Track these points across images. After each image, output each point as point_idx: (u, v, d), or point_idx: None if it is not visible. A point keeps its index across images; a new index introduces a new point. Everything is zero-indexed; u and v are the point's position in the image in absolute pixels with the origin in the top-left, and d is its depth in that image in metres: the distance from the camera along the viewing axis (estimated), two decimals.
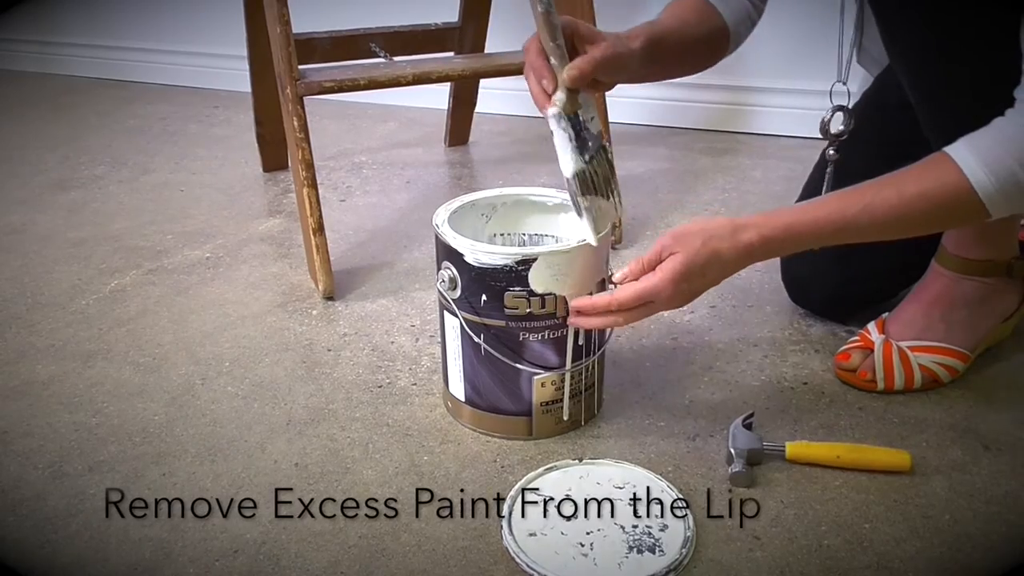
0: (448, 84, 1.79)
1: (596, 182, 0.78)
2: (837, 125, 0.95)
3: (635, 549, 0.72)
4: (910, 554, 0.72)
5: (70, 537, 0.76)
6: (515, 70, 1.26)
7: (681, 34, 0.89)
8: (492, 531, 0.75)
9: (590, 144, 0.77)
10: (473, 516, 0.77)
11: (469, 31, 1.64)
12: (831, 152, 0.96)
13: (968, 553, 0.72)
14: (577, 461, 0.83)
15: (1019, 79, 0.70)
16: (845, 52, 0.93)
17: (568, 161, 0.76)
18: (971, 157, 0.70)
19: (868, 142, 0.97)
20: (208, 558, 0.73)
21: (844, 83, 0.93)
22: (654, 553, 0.71)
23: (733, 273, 0.77)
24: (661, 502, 0.77)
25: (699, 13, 0.92)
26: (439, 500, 0.79)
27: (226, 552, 0.74)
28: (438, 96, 1.93)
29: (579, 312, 0.80)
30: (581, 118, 0.76)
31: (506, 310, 0.82)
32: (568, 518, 0.75)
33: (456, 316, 0.85)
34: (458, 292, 0.83)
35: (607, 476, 0.81)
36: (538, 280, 0.80)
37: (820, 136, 0.95)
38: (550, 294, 0.81)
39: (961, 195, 0.70)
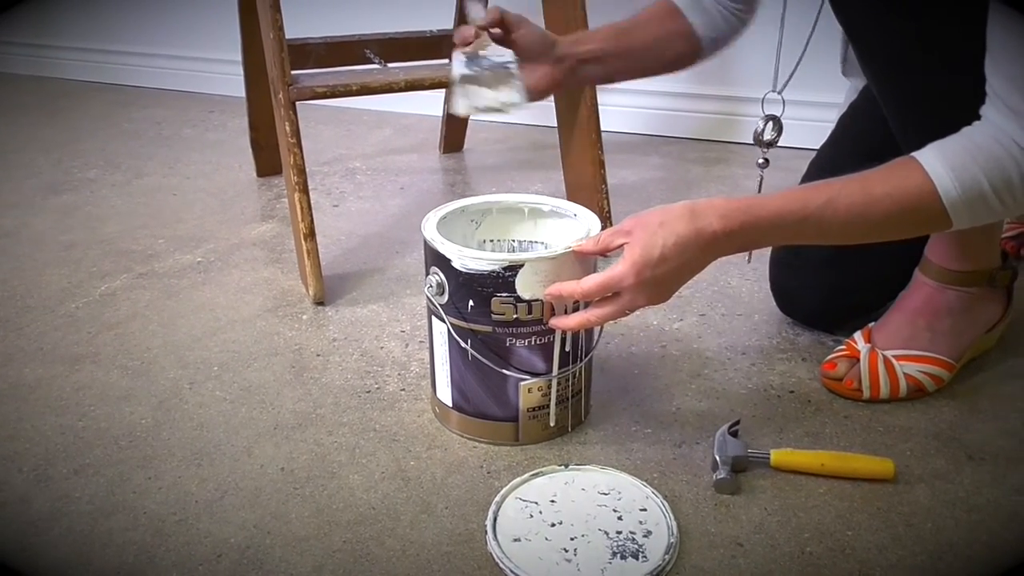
0: (443, 91, 1.79)
1: (482, 81, 0.89)
2: (769, 133, 0.98)
3: (619, 555, 0.72)
4: (892, 562, 0.72)
5: (54, 541, 0.76)
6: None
7: (638, 32, 0.96)
8: (477, 537, 0.75)
9: (485, 63, 0.90)
10: (458, 522, 0.77)
11: None
12: (761, 160, 0.98)
13: (950, 562, 0.72)
14: (563, 467, 0.83)
15: (983, 99, 0.71)
16: (783, 63, 0.94)
17: (456, 70, 0.89)
18: (938, 163, 0.70)
19: (855, 154, 0.98)
20: (192, 562, 0.73)
21: (779, 93, 0.95)
22: (637, 559, 0.71)
23: (701, 263, 0.76)
24: (645, 508, 0.77)
25: (661, 19, 0.96)
26: (424, 505, 0.79)
27: (210, 557, 0.74)
28: (433, 103, 1.93)
29: (552, 300, 0.80)
30: (481, 55, 0.90)
31: (493, 316, 0.82)
32: (552, 524, 0.75)
33: (444, 321, 0.85)
34: (446, 297, 0.84)
35: (592, 482, 0.81)
36: (525, 286, 0.80)
37: (753, 143, 0.99)
38: (537, 300, 0.81)
39: (924, 199, 0.70)
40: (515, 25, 0.89)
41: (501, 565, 0.71)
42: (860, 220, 0.72)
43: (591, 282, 0.77)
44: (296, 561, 0.73)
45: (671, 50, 0.96)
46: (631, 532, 0.74)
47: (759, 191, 1.00)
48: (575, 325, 0.80)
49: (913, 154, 0.72)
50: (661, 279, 0.75)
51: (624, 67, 0.96)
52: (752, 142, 0.99)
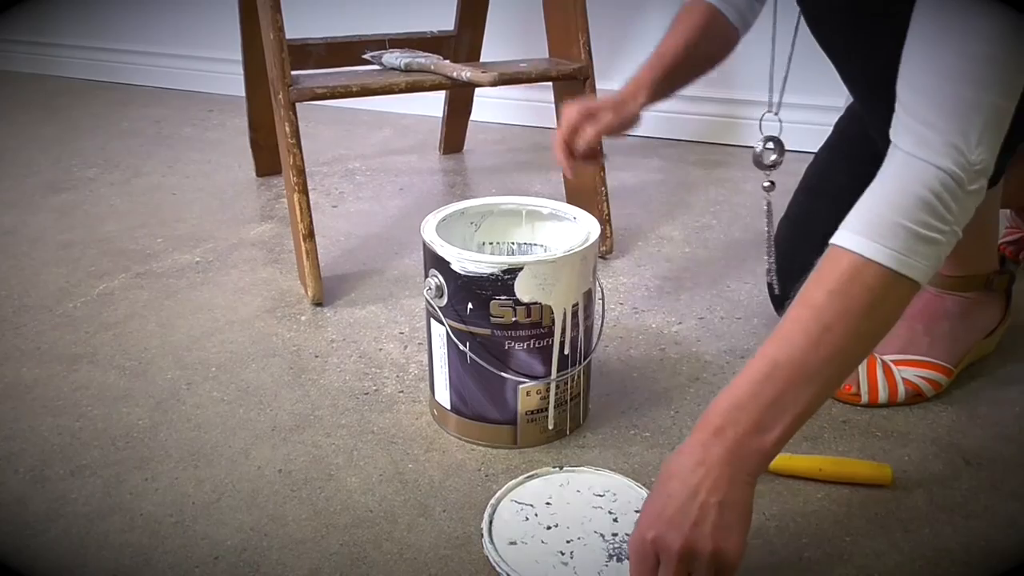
0: (443, 92, 1.79)
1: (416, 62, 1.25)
2: (770, 156, 0.95)
3: (615, 557, 0.72)
4: (890, 567, 0.72)
5: (50, 542, 0.76)
6: (507, 80, 1.26)
7: (690, 58, 0.98)
8: (474, 540, 0.75)
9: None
10: (456, 525, 0.77)
11: (465, 39, 1.65)
12: (767, 184, 0.95)
13: (947, 567, 0.72)
14: (558, 469, 0.83)
15: (889, 121, 0.67)
16: (778, 82, 0.93)
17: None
18: (852, 235, 0.64)
19: (852, 157, 0.98)
20: (188, 564, 0.73)
21: (775, 114, 0.93)
22: None
23: (708, 476, 0.63)
24: (639, 511, 0.77)
25: (705, 28, 0.97)
26: (422, 508, 0.79)
27: (206, 559, 0.74)
28: (433, 104, 1.93)
29: None
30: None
31: (492, 319, 0.82)
32: (548, 527, 0.75)
33: (442, 324, 0.85)
34: (444, 300, 0.84)
35: (587, 484, 0.81)
36: (524, 289, 0.80)
37: (755, 166, 0.96)
38: (536, 303, 0.81)
39: (864, 272, 0.63)
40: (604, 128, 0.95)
41: (498, 569, 0.71)
42: (831, 338, 0.63)
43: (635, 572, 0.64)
44: (293, 564, 0.73)
45: (713, 49, 1.00)
46: (627, 535, 0.74)
47: (768, 219, 0.98)
48: None
49: (830, 243, 0.66)
50: (686, 511, 0.62)
51: (679, 84, 1.01)
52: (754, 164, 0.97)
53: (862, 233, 0.64)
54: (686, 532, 0.61)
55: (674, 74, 0.99)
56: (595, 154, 0.98)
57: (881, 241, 0.63)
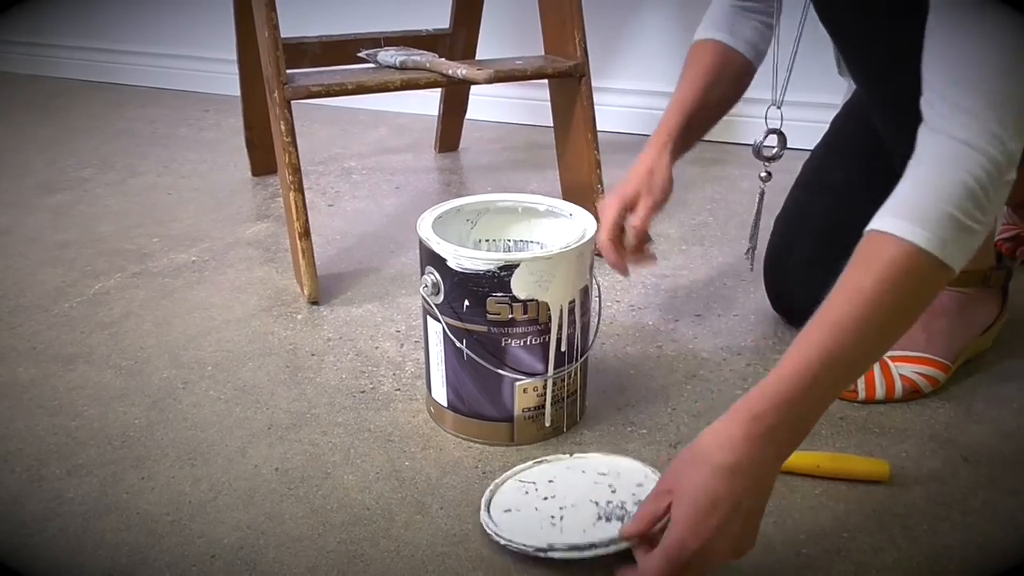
0: (438, 90, 1.79)
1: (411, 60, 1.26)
2: (770, 149, 0.96)
3: (604, 518, 0.72)
4: (888, 564, 0.72)
5: (46, 542, 0.76)
6: (503, 78, 1.26)
7: (708, 105, 0.97)
8: (471, 537, 0.75)
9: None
10: (453, 522, 0.77)
11: (460, 38, 1.65)
12: (764, 175, 0.96)
13: (945, 564, 0.72)
14: (567, 455, 0.83)
15: (920, 91, 0.66)
16: (781, 76, 0.94)
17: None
18: (900, 223, 0.63)
19: (849, 153, 0.98)
20: (185, 563, 0.73)
21: (778, 107, 0.94)
22: (622, 521, 0.71)
23: (760, 481, 0.63)
24: (642, 484, 0.76)
25: (720, 68, 0.96)
26: (419, 506, 0.79)
27: (203, 557, 0.73)
28: (429, 102, 1.93)
29: None
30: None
31: (488, 316, 0.82)
32: (546, 498, 0.76)
33: (439, 321, 0.85)
34: (441, 297, 0.83)
35: (594, 465, 0.80)
36: (520, 286, 0.80)
37: (754, 156, 0.98)
38: (532, 300, 0.81)
39: (915, 261, 0.62)
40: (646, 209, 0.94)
41: (487, 530, 0.72)
42: (874, 325, 0.62)
43: (653, 566, 0.62)
44: (290, 562, 0.73)
45: (731, 91, 0.99)
46: (622, 501, 0.74)
47: (758, 205, 1.01)
48: None
49: (871, 228, 0.65)
50: (729, 520, 0.62)
51: (699, 134, 1.00)
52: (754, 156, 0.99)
53: (910, 219, 0.62)
54: (731, 544, 0.62)
55: (694, 125, 0.97)
56: (644, 243, 0.96)
57: (931, 229, 0.61)
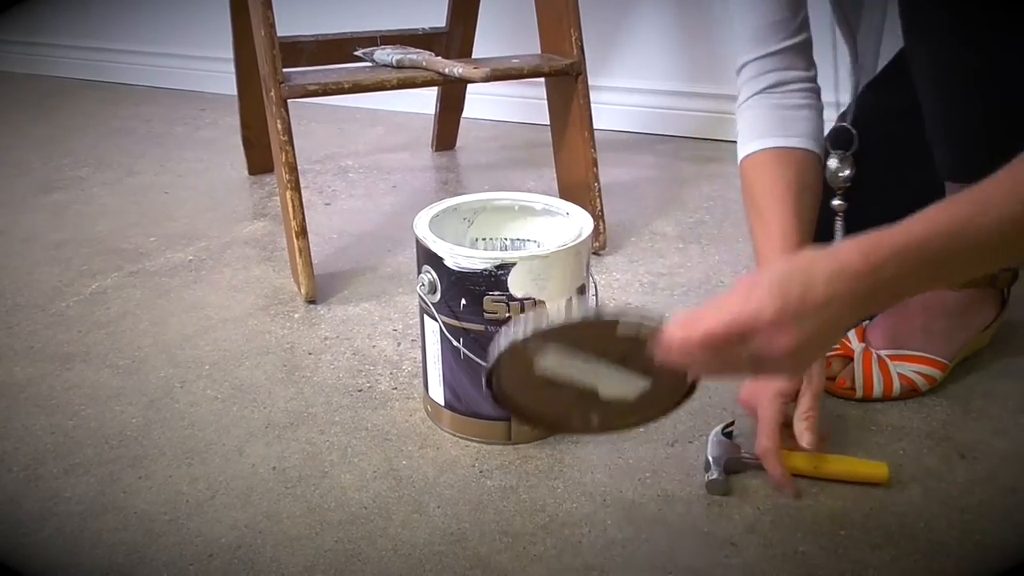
0: (435, 89, 1.79)
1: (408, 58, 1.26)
2: (845, 170, 0.88)
3: None
4: (885, 562, 0.72)
5: (43, 541, 0.75)
6: (499, 76, 1.26)
7: (804, 219, 0.88)
8: (469, 536, 0.75)
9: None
10: (450, 521, 0.77)
11: (457, 36, 1.65)
12: (837, 202, 0.88)
13: (942, 561, 0.72)
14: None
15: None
16: (846, 94, 0.87)
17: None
18: None
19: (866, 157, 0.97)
20: (182, 562, 0.73)
21: (850, 127, 0.87)
22: None
23: (838, 312, 0.56)
24: None
25: (798, 181, 0.89)
26: (416, 504, 0.79)
27: (201, 556, 0.73)
28: (425, 101, 1.93)
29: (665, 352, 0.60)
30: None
31: (485, 314, 0.82)
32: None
33: (436, 320, 0.84)
34: (438, 296, 0.83)
35: None
36: (517, 284, 0.80)
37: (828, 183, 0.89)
38: (529, 299, 0.81)
39: None
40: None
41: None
42: (1016, 229, 0.56)
43: (714, 319, 0.56)
44: (287, 561, 0.73)
45: (815, 200, 0.91)
46: None
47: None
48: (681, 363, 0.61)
49: None
50: (810, 317, 0.55)
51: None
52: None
53: None
54: (797, 342, 0.54)
55: (804, 237, 0.88)
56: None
57: None
